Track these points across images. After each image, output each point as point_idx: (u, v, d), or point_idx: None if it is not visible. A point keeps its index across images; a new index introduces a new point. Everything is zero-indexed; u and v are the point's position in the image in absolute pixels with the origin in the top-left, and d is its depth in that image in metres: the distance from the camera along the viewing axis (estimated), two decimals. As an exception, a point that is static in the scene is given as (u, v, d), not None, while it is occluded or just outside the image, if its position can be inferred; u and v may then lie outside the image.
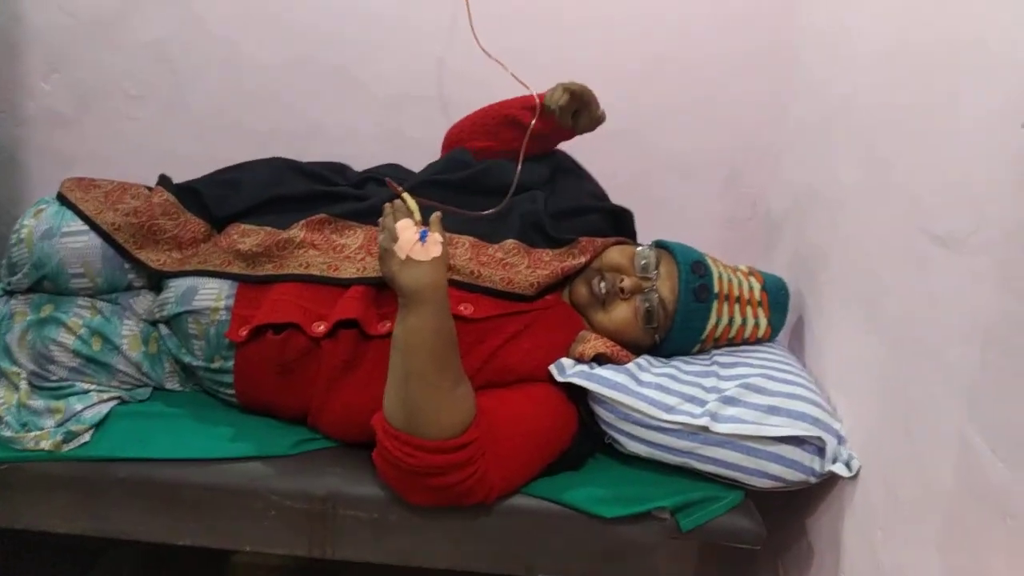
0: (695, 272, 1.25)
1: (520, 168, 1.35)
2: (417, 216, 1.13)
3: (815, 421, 1.11)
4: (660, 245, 1.32)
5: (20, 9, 1.68)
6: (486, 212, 1.29)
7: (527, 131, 1.38)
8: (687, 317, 1.25)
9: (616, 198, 1.47)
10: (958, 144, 0.91)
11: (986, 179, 0.84)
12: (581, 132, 1.43)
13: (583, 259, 1.30)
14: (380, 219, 1.13)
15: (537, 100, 1.39)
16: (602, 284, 1.25)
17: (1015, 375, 0.76)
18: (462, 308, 1.16)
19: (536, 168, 1.41)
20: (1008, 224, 0.79)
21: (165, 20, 1.69)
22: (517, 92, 1.44)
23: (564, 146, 1.51)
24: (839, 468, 1.09)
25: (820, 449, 1.11)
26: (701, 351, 1.32)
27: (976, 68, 0.88)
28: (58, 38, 1.70)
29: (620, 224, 1.44)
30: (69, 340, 1.21)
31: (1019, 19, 0.80)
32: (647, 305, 1.24)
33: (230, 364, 1.20)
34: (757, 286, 1.32)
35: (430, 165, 1.46)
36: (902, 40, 1.09)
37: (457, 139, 1.51)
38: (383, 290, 1.17)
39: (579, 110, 1.38)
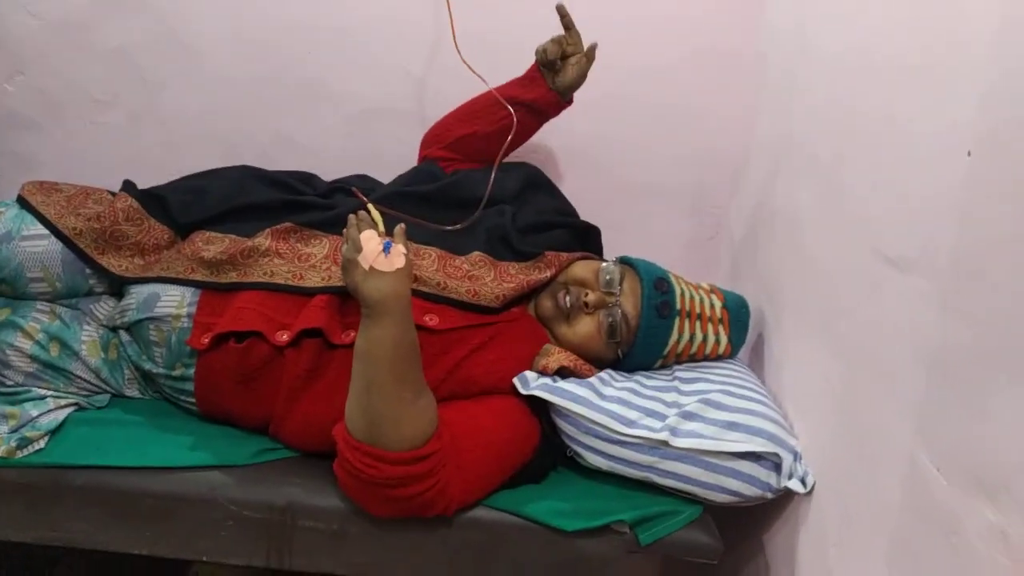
0: (658, 289, 1.27)
1: (493, 179, 1.36)
2: (381, 227, 1.13)
3: (772, 437, 1.13)
4: (624, 261, 1.34)
5: (-15, 9, 1.66)
6: (453, 226, 1.30)
7: (512, 126, 1.42)
8: (649, 333, 1.26)
9: (580, 218, 1.49)
10: (910, 169, 0.93)
11: (934, 205, 0.86)
12: (566, 87, 1.44)
13: (548, 273, 1.32)
14: (344, 229, 1.14)
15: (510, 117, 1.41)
16: (567, 298, 1.27)
17: (957, 397, 0.79)
18: (427, 319, 1.17)
19: (505, 182, 1.43)
20: (952, 250, 0.82)
21: (135, 26, 1.68)
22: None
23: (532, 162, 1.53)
24: (795, 484, 1.11)
25: (777, 465, 1.13)
26: (663, 366, 1.33)
27: (928, 97, 0.91)
28: (24, 40, 1.68)
29: (587, 240, 1.45)
30: (26, 345, 1.19)
31: (964, 51, 0.83)
32: (610, 320, 1.25)
33: (191, 372, 1.19)
34: (719, 304, 1.34)
35: (399, 177, 1.47)
36: (860, 67, 1.12)
37: (442, 130, 1.53)
38: (348, 300, 1.17)
39: (567, 55, 1.41)
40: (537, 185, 1.50)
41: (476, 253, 1.30)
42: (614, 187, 1.78)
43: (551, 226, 1.40)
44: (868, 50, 1.10)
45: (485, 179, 1.38)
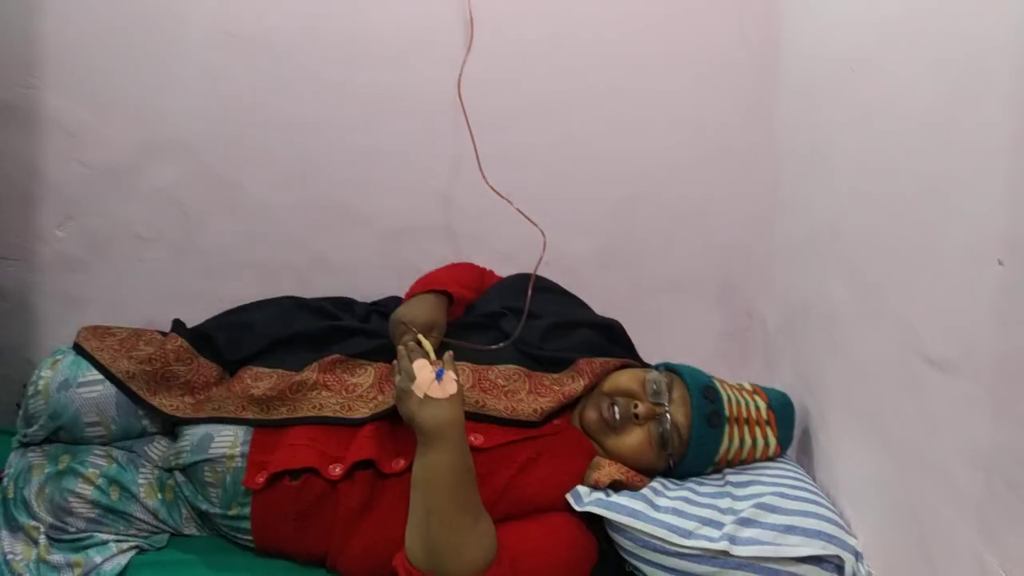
0: (707, 397, 1.28)
1: (528, 305, 1.41)
2: (432, 356, 1.16)
3: (832, 539, 1.12)
4: (668, 368, 1.35)
5: (37, 161, 1.75)
6: (495, 346, 1.33)
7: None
8: (701, 442, 1.27)
9: (612, 316, 1.51)
10: (943, 273, 0.95)
11: (972, 308, 0.88)
12: None
13: (583, 382, 1.32)
14: (395, 360, 1.16)
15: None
16: (615, 409, 1.27)
17: (1020, 503, 0.78)
18: (472, 438, 1.18)
19: (520, 297, 1.45)
20: (996, 354, 0.83)
21: (176, 167, 1.76)
22: (520, 223, 1.53)
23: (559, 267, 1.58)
24: (860, 587, 1.10)
25: (839, 567, 1.11)
26: (714, 472, 1.33)
27: (953, 203, 0.93)
28: (73, 187, 1.76)
29: (612, 337, 1.46)
30: (88, 491, 1.21)
31: (988, 163, 0.86)
32: (661, 431, 1.25)
33: (247, 511, 1.20)
34: (763, 404, 1.34)
35: None
36: (881, 172, 1.15)
37: None
38: (395, 427, 1.20)
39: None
40: (546, 288, 1.52)
41: (510, 366, 1.31)
42: (641, 284, 1.82)
43: (574, 325, 1.42)
44: (887, 154, 1.13)
45: (505, 302, 1.43)
